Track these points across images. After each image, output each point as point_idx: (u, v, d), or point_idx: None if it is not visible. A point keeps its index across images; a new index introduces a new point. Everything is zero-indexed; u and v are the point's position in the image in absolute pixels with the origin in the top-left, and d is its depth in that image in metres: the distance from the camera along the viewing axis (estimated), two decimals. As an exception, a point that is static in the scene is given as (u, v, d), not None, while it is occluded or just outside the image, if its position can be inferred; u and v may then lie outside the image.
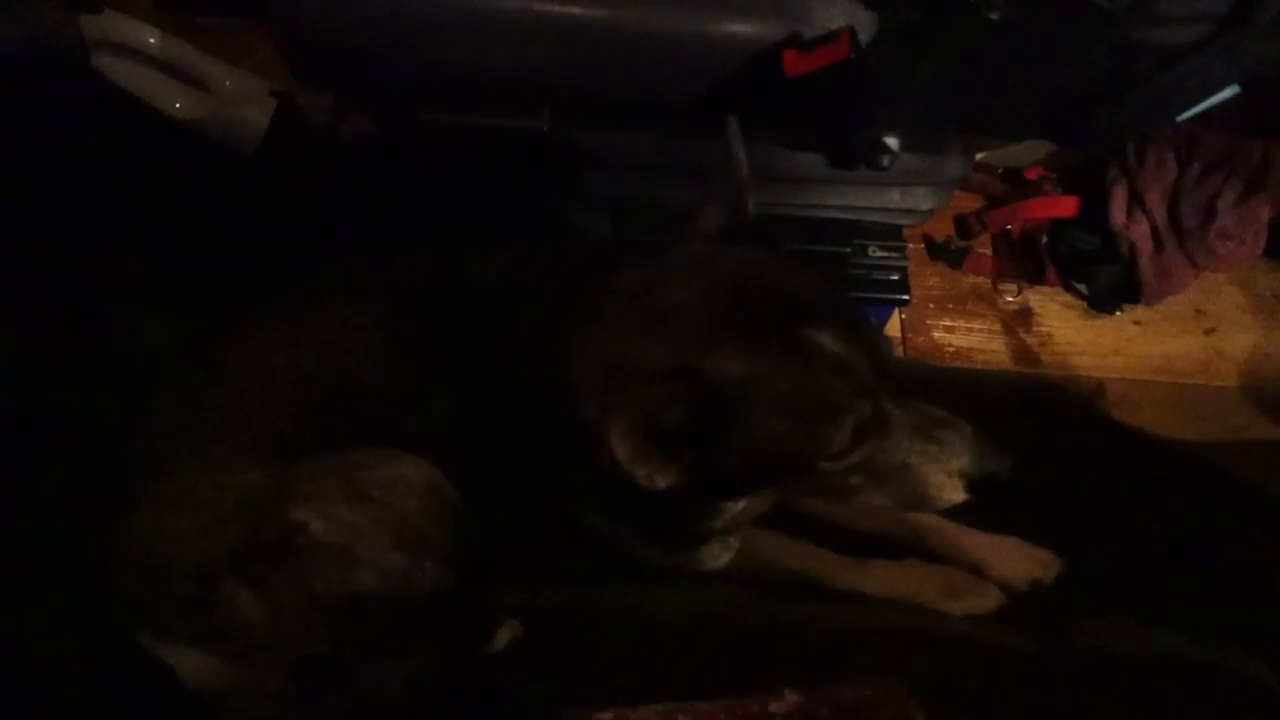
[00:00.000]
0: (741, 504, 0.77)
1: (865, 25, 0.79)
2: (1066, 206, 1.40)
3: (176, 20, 1.45)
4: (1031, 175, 1.50)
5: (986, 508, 0.90)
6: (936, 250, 1.46)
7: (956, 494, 0.70)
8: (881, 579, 0.88)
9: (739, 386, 0.61)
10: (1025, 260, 1.45)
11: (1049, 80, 0.75)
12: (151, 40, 1.34)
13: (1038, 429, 1.06)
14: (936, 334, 1.41)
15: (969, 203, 1.51)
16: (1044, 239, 1.43)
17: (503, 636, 0.82)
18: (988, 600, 0.89)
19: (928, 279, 1.45)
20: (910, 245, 1.18)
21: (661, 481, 0.64)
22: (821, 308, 0.66)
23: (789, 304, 0.65)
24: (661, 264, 0.71)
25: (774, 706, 0.67)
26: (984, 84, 0.77)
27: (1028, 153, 1.50)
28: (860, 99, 0.80)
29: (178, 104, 1.34)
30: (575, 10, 0.83)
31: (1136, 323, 1.44)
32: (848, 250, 1.07)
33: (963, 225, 1.48)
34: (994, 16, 0.67)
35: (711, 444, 0.63)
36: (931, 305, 1.43)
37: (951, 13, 0.70)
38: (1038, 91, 0.77)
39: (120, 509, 0.70)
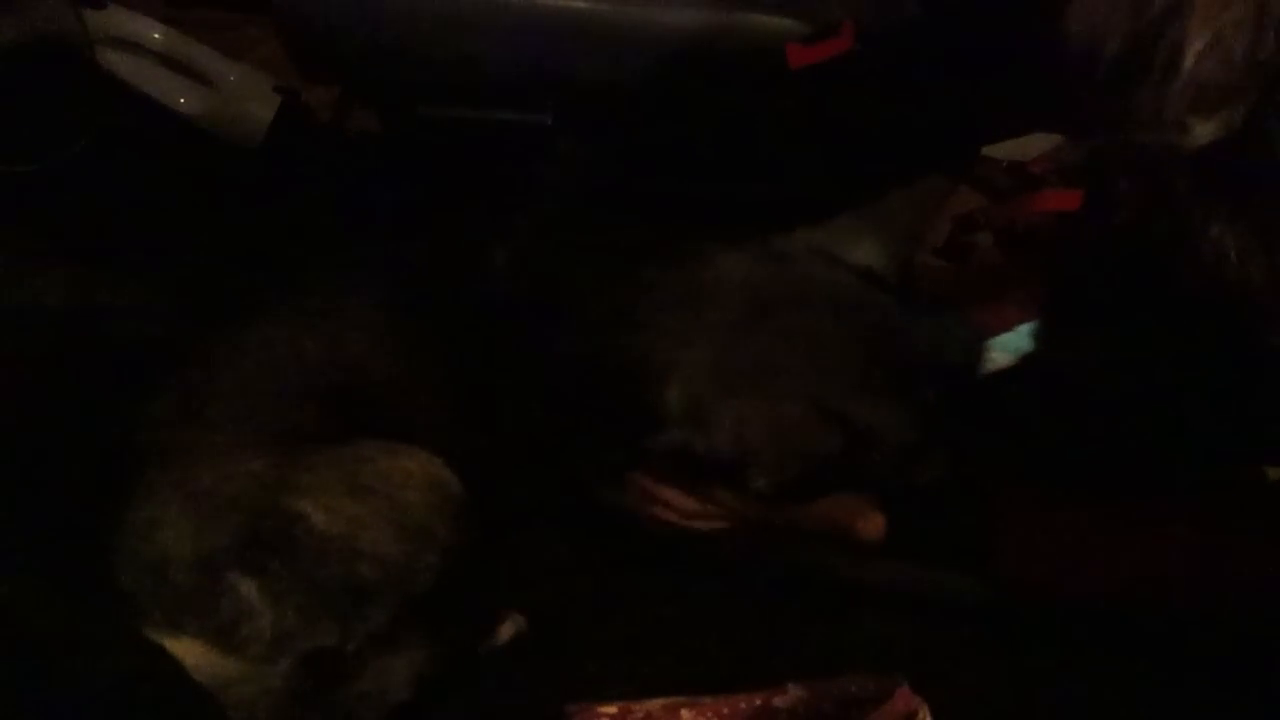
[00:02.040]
0: None
1: (869, 18, 0.79)
2: (1071, 201, 1.39)
3: (181, 15, 1.45)
4: (1036, 169, 1.49)
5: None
6: (941, 246, 1.45)
7: None
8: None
9: (867, 431, 0.70)
10: (1031, 253, 1.44)
11: (1063, 68, 0.75)
12: (156, 35, 1.34)
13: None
14: (941, 329, 1.40)
15: (973, 197, 1.51)
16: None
17: (506, 630, 0.82)
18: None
19: (933, 274, 1.45)
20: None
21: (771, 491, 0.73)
22: (912, 356, 0.74)
23: (893, 355, 0.73)
24: (712, 275, 0.75)
25: (777, 700, 0.67)
26: (992, 74, 0.76)
27: (1032, 146, 1.49)
28: (865, 91, 0.80)
29: (182, 99, 1.34)
30: (579, 4, 0.83)
31: (1143, 318, 1.43)
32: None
33: (967, 220, 1.47)
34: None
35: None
36: (937, 301, 1.43)
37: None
38: (1050, 80, 0.77)
39: (122, 500, 0.70)
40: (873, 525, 0.74)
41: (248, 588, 0.68)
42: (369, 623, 0.72)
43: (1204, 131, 0.55)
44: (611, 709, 0.66)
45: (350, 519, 0.69)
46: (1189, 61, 0.52)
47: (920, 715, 0.63)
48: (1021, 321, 1.05)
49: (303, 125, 1.37)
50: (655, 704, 0.66)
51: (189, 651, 0.68)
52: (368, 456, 0.72)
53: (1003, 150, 1.53)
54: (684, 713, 0.65)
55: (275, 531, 0.68)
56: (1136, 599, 0.68)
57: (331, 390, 0.77)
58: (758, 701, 0.67)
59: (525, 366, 0.80)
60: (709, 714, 0.65)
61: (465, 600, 0.81)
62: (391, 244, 0.96)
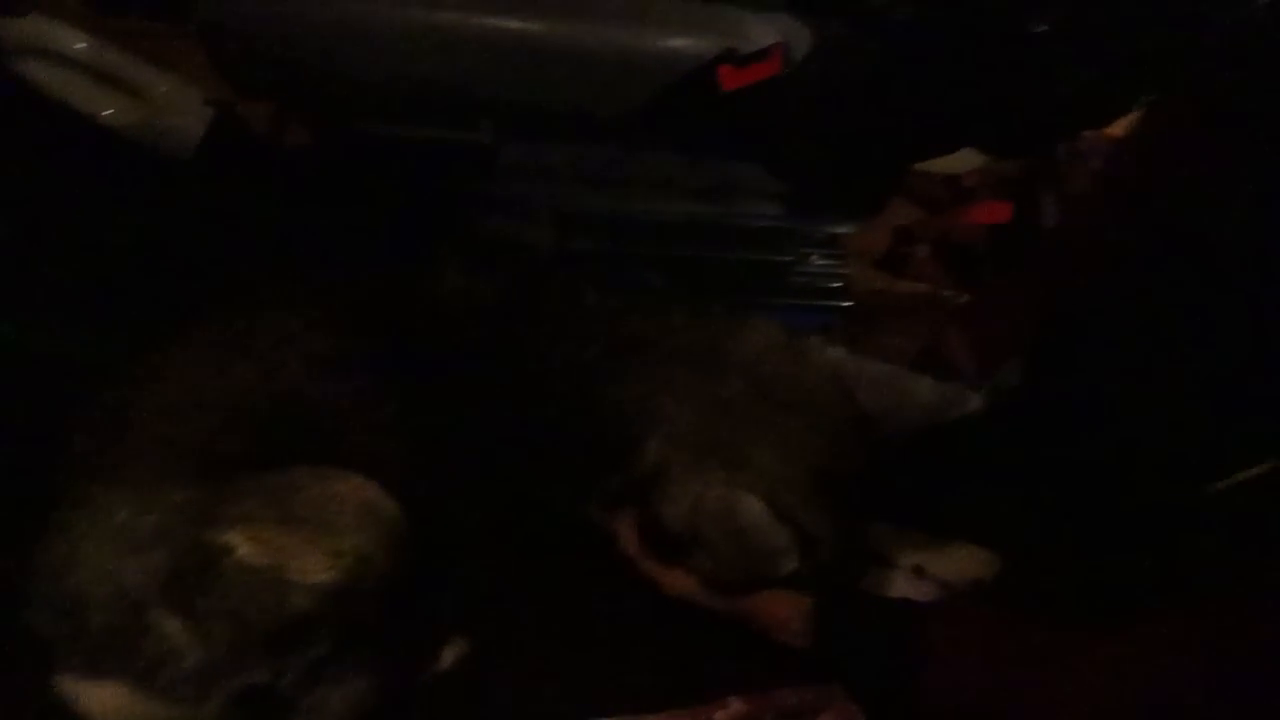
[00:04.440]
0: None
1: (801, 42, 0.81)
2: (1002, 212, 1.45)
3: (108, 24, 1.40)
4: (969, 182, 1.54)
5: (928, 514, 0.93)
6: (880, 258, 1.49)
7: None
8: None
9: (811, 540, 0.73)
10: (965, 264, 1.49)
11: (971, 93, 0.78)
12: (79, 45, 1.29)
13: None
14: (884, 339, 1.43)
15: (910, 210, 1.55)
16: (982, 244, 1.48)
17: (449, 655, 0.81)
18: None
19: (873, 285, 1.48)
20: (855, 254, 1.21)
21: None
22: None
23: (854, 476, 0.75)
24: (726, 346, 0.76)
25: (718, 715, 0.68)
26: (910, 97, 0.79)
27: (965, 161, 1.54)
28: (795, 114, 0.81)
29: (108, 110, 1.30)
30: (512, 24, 0.83)
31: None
32: (791, 259, 1.09)
33: (904, 233, 1.51)
34: (901, 22, 0.70)
35: None
36: (876, 311, 1.46)
37: (874, 26, 0.72)
38: (961, 104, 0.80)
39: (36, 538, 0.67)
40: (799, 633, 0.72)
41: (171, 626, 0.65)
42: (303, 656, 0.70)
43: None
44: (551, 732, 0.65)
45: (280, 549, 0.67)
46: None
47: (857, 726, 0.64)
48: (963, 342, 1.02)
49: (237, 139, 1.33)
50: (597, 724, 0.66)
51: (111, 695, 0.66)
52: (299, 483, 0.70)
53: (938, 164, 1.59)
54: (625, 731, 0.65)
55: (199, 566, 0.66)
56: None
57: (262, 415, 0.74)
58: (700, 717, 0.67)
59: (487, 388, 0.79)
60: (649, 731, 0.65)
61: (406, 627, 0.80)
62: (329, 263, 0.94)
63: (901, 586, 0.88)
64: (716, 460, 0.70)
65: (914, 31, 0.74)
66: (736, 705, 0.68)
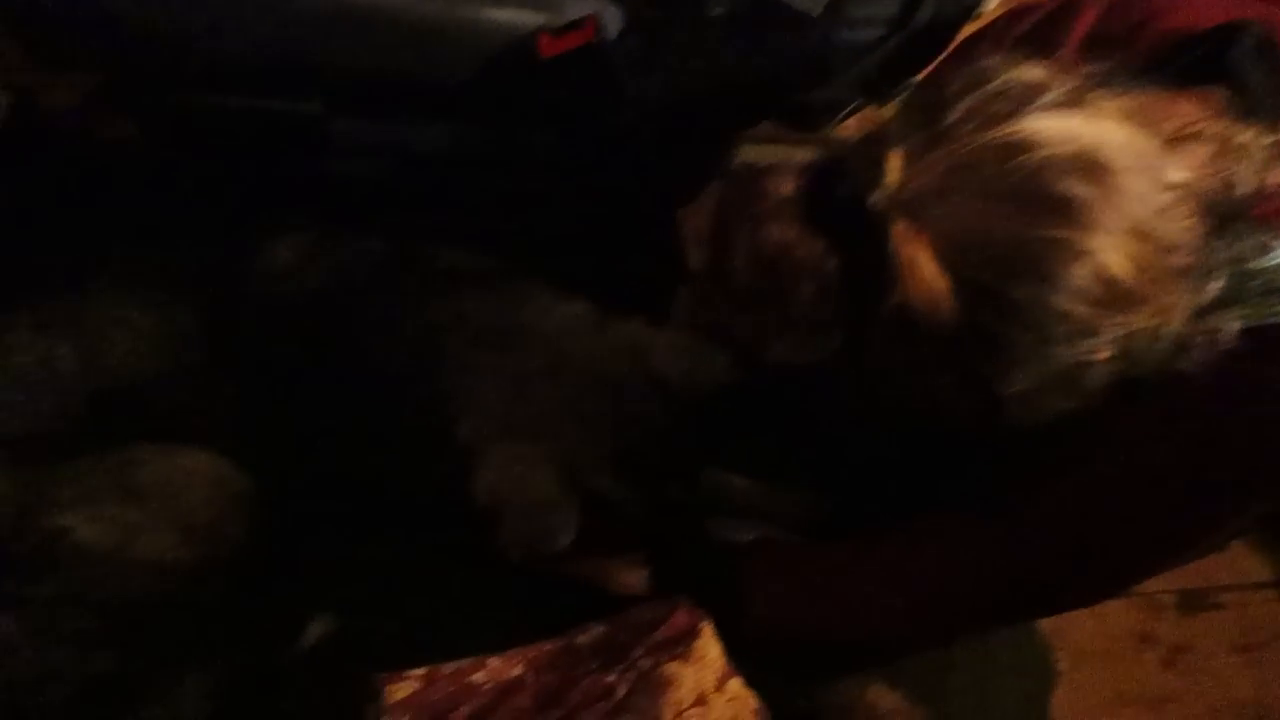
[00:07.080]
0: None
1: (614, 18, 0.88)
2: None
3: None
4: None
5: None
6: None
7: None
8: None
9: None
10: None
11: (763, 74, 0.88)
12: None
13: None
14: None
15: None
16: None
17: (314, 631, 0.80)
18: None
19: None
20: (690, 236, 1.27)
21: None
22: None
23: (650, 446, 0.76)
24: (527, 319, 0.78)
25: (581, 639, 0.72)
26: (710, 76, 0.88)
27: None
28: (610, 85, 0.88)
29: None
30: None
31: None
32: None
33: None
34: (717, 13, 0.78)
35: None
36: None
37: (679, 8, 0.80)
38: (755, 84, 0.90)
39: None
40: (633, 582, 0.78)
41: (3, 622, 0.62)
42: (152, 641, 0.68)
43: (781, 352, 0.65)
44: (419, 672, 0.68)
45: (125, 527, 0.65)
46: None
47: (701, 628, 0.71)
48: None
49: (38, 133, 1.23)
50: (461, 662, 0.69)
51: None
52: (141, 459, 0.68)
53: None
54: (491, 661, 0.69)
55: (33, 554, 0.63)
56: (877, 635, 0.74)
57: (93, 397, 0.72)
58: (561, 643, 0.72)
59: (319, 371, 0.79)
60: (515, 659, 0.69)
61: (266, 603, 0.79)
62: (160, 237, 0.91)
63: (741, 529, 0.96)
64: (517, 436, 0.72)
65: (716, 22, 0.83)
66: (596, 628, 0.73)
